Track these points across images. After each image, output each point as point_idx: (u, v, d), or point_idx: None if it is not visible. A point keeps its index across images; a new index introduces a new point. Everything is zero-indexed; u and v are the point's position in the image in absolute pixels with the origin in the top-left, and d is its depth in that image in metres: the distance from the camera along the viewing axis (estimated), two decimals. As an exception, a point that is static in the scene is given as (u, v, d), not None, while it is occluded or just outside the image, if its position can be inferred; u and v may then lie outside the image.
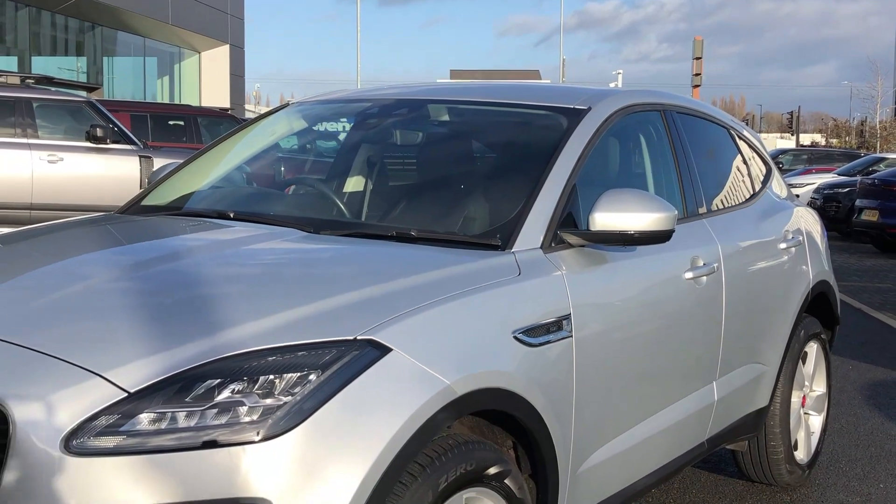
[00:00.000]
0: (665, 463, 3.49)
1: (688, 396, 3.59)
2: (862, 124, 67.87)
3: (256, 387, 2.16)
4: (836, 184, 19.24)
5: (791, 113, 58.93)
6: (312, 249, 3.00)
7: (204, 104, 30.15)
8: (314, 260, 2.95)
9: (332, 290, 2.50)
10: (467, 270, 2.73)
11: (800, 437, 4.59)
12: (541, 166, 3.16)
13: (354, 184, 3.76)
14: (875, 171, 19.47)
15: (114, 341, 2.27)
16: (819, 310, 4.74)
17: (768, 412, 4.27)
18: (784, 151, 30.33)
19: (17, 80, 11.77)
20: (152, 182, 3.89)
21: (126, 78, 32.00)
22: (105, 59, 30.77)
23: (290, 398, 2.15)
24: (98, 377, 2.14)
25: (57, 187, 11.12)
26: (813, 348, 4.66)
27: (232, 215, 3.32)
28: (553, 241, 2.98)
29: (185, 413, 2.12)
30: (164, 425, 2.10)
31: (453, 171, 3.57)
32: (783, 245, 4.37)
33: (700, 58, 31.24)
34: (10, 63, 24.84)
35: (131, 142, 11.67)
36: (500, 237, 2.94)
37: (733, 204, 4.23)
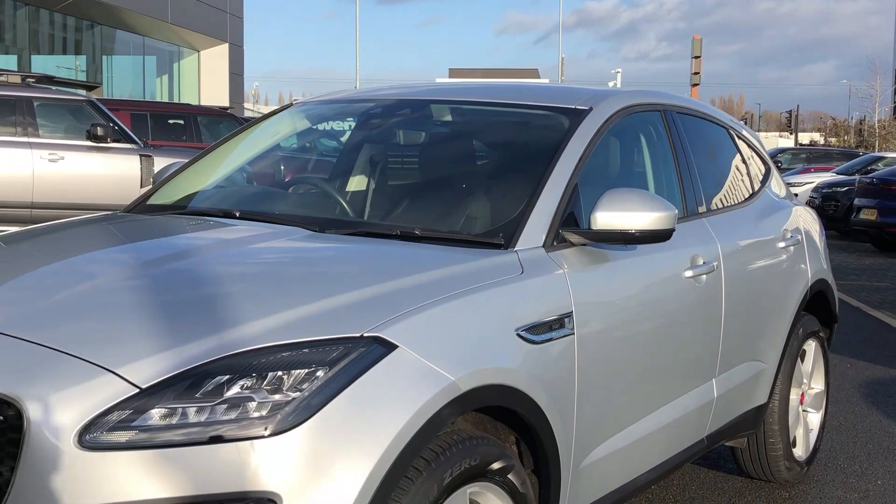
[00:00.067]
0: (665, 459, 3.53)
1: (688, 393, 3.63)
2: (860, 123, 67.93)
3: (265, 383, 2.20)
4: (834, 183, 19.27)
5: (790, 112, 58.98)
6: (318, 248, 3.04)
7: (203, 103, 30.18)
8: (320, 258, 2.99)
9: (338, 288, 2.54)
10: (471, 269, 2.77)
11: (798, 434, 4.63)
12: (543, 166, 3.20)
13: (359, 183, 3.80)
14: (873, 170, 19.51)
15: (125, 338, 2.31)
16: (817, 308, 4.78)
17: (767, 409, 4.31)
18: (783, 150, 30.38)
19: (17, 80, 11.80)
20: (157, 181, 3.93)
21: (125, 77, 32.03)
22: (104, 57, 30.79)
23: (298, 394, 2.19)
24: (110, 373, 2.18)
25: (58, 186, 11.15)
26: (811, 346, 4.70)
27: (238, 214, 3.37)
28: (555, 240, 3.02)
29: (195, 409, 2.16)
30: (174, 421, 2.14)
31: (456, 171, 3.61)
32: (782, 244, 4.41)
33: (699, 56, 31.29)
34: (9, 62, 24.85)
35: (132, 141, 11.69)
36: (502, 236, 2.98)
37: (733, 203, 4.27)
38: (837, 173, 21.46)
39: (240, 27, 35.87)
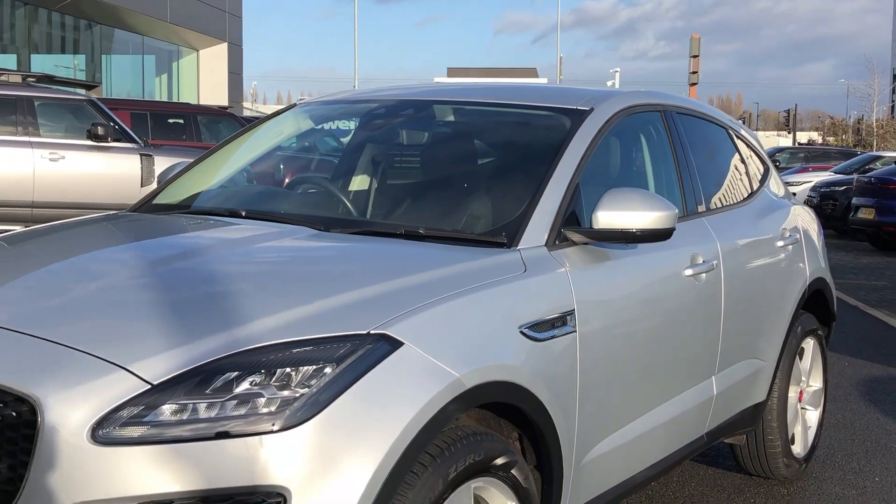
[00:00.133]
0: (665, 455, 3.57)
1: (687, 391, 3.67)
2: (858, 122, 68.04)
3: (274, 379, 2.24)
4: (832, 182, 19.32)
5: (788, 111, 59.01)
6: (324, 247, 3.08)
7: (202, 102, 30.19)
8: (326, 257, 3.02)
9: (344, 286, 2.58)
10: (475, 267, 2.81)
11: (797, 431, 4.67)
12: (545, 166, 3.24)
13: (363, 183, 3.84)
14: (871, 170, 19.56)
15: (136, 335, 2.35)
16: (816, 306, 4.82)
17: (766, 407, 4.35)
18: (781, 150, 30.43)
19: (18, 79, 11.83)
20: (163, 181, 3.97)
21: (124, 76, 32.03)
22: (103, 57, 30.80)
23: (306, 390, 2.23)
24: (122, 370, 2.22)
25: (58, 185, 11.18)
26: (810, 344, 4.74)
27: (243, 214, 3.40)
28: (557, 239, 3.06)
29: (205, 404, 2.19)
30: (185, 416, 2.18)
31: (459, 171, 3.64)
32: (780, 243, 4.45)
33: (697, 56, 31.31)
34: (8, 61, 24.86)
35: (132, 140, 11.72)
36: (505, 235, 3.02)
37: (732, 202, 4.31)
38: (835, 172, 21.51)
39: (239, 26, 35.88)
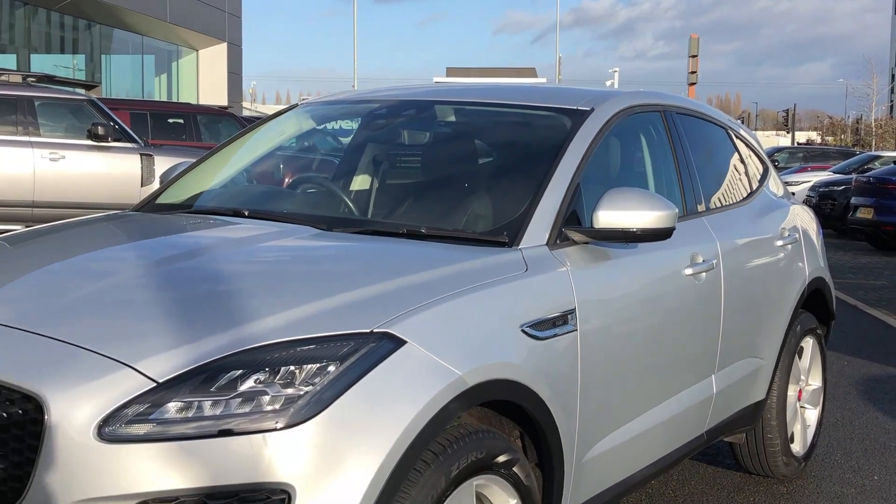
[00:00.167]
0: (665, 454, 3.59)
1: (687, 389, 3.69)
2: (857, 122, 68.08)
3: (278, 377, 2.26)
4: (831, 181, 19.34)
5: (787, 111, 59.06)
6: (327, 246, 3.10)
7: (202, 102, 30.20)
8: (329, 256, 3.04)
9: (347, 285, 2.60)
10: (476, 266, 2.83)
11: (796, 429, 4.69)
12: (546, 166, 3.26)
13: (365, 182, 3.86)
14: (870, 169, 19.59)
15: (142, 334, 2.37)
16: (815, 305, 4.85)
17: (765, 405, 4.38)
18: (780, 149, 30.46)
19: (18, 79, 11.84)
20: (166, 181, 3.99)
21: (124, 76, 32.03)
22: (103, 56, 30.80)
23: (310, 388, 2.25)
24: (128, 368, 2.24)
25: (59, 185, 11.19)
26: (809, 343, 4.76)
27: (247, 213, 3.42)
28: (558, 239, 3.08)
29: (210, 402, 2.21)
30: (190, 414, 2.20)
31: (461, 171, 3.66)
32: (780, 242, 4.47)
33: (696, 55, 31.33)
34: (7, 61, 24.86)
35: (132, 140, 11.74)
36: (507, 234, 3.04)
37: (731, 202, 4.33)
38: (834, 172, 21.54)
39: (238, 26, 35.88)
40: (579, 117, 3.49)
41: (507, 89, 4.10)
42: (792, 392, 4.58)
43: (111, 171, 11.46)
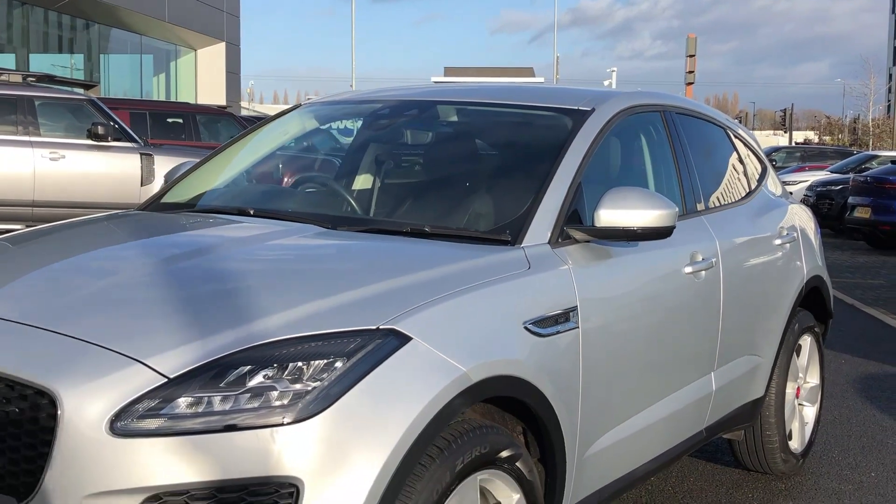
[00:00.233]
0: (666, 450, 3.63)
1: (687, 386, 3.73)
2: (855, 122, 68.14)
3: (286, 373, 2.29)
4: (829, 181, 19.39)
5: (784, 110, 59.11)
6: (332, 245, 3.13)
7: (200, 102, 30.22)
8: (334, 255, 3.07)
9: (353, 282, 2.64)
10: (480, 264, 2.87)
11: (794, 427, 4.73)
12: (548, 165, 3.30)
13: (370, 182, 3.90)
14: (867, 169, 19.62)
15: (151, 331, 2.41)
16: (813, 304, 4.89)
17: (764, 402, 4.41)
18: (777, 149, 30.50)
19: (19, 79, 11.87)
20: (170, 180, 4.02)
21: (122, 75, 32.04)
22: (101, 56, 30.81)
23: (318, 383, 2.28)
24: (140, 364, 2.28)
25: (59, 184, 11.23)
26: (807, 341, 4.80)
27: (252, 212, 3.46)
28: (560, 237, 3.12)
29: (219, 398, 2.25)
30: (200, 409, 2.23)
31: (464, 170, 3.69)
32: (778, 241, 4.51)
33: (693, 55, 31.38)
34: (6, 60, 24.87)
35: (132, 139, 11.77)
36: (509, 233, 3.08)
37: (730, 201, 4.37)
38: (832, 172, 21.58)
39: (236, 26, 35.90)
40: (580, 117, 3.53)
41: (509, 89, 4.14)
42: (790, 389, 4.62)
43: (111, 171, 11.50)
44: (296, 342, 2.36)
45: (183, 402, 2.24)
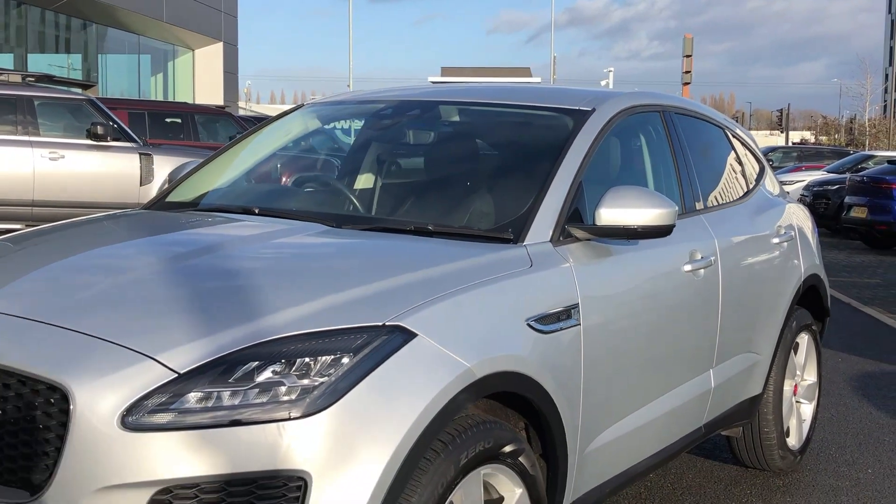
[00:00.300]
0: (665, 446, 3.67)
1: (686, 383, 3.77)
2: (851, 122, 68.22)
3: (294, 369, 2.33)
4: (825, 181, 19.44)
5: (781, 110, 59.17)
6: (337, 243, 3.17)
7: (198, 102, 30.23)
8: (340, 252, 3.11)
9: (359, 280, 2.68)
10: (483, 262, 2.91)
11: (792, 424, 4.76)
12: (549, 165, 3.34)
13: (373, 181, 3.94)
14: (864, 169, 19.67)
15: (161, 327, 2.44)
16: (810, 302, 4.92)
17: (762, 399, 4.46)
18: (774, 149, 30.56)
19: (18, 79, 11.90)
20: (174, 180, 4.06)
21: (120, 75, 32.03)
22: (99, 56, 30.81)
23: (325, 379, 2.32)
24: (150, 359, 2.32)
25: (58, 184, 11.26)
26: (804, 339, 4.84)
27: (257, 211, 3.50)
28: (561, 235, 3.16)
29: (229, 393, 2.29)
30: (210, 404, 2.27)
31: (466, 169, 3.74)
32: (776, 240, 4.56)
33: (690, 55, 31.41)
34: (4, 60, 24.87)
35: (131, 139, 11.80)
36: (512, 231, 3.12)
37: (728, 200, 4.41)
38: (828, 171, 21.63)
39: (234, 26, 35.92)
40: (581, 117, 3.57)
41: (511, 90, 4.18)
42: (788, 387, 4.66)
43: (110, 171, 11.53)
44: (303, 338, 2.40)
45: (193, 398, 2.28)
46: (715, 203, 4.24)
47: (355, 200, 3.72)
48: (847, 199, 16.29)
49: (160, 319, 2.49)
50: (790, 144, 46.16)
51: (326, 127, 4.47)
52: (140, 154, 11.70)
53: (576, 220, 3.24)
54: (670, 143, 4.04)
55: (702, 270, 3.77)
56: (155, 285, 2.72)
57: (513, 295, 2.85)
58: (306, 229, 3.22)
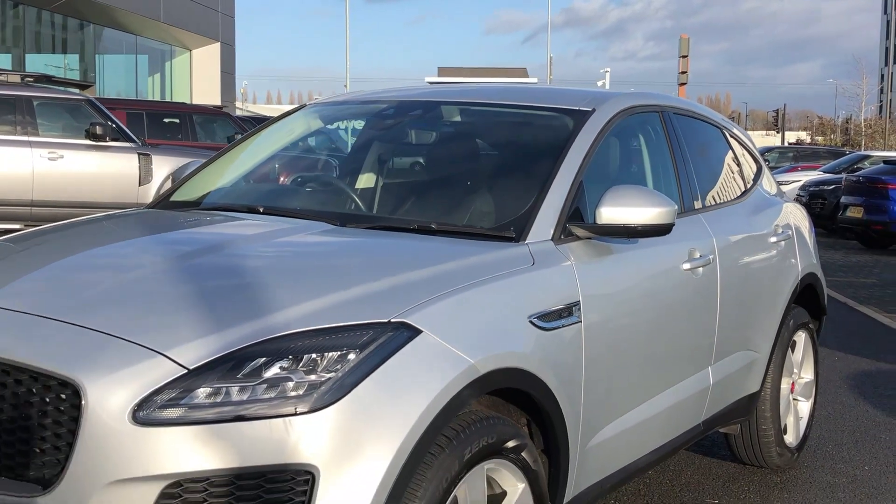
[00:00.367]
0: (665, 442, 3.72)
1: (685, 380, 3.81)
2: (847, 122, 68.35)
3: (301, 364, 2.37)
4: (821, 181, 19.49)
5: (777, 111, 59.29)
6: (342, 241, 3.21)
7: (195, 102, 30.24)
8: (345, 250, 3.14)
9: (364, 277, 2.72)
10: (486, 260, 2.95)
11: (789, 421, 4.81)
12: (550, 164, 3.38)
13: (376, 181, 3.98)
14: (860, 169, 19.74)
15: (170, 324, 2.48)
16: (807, 301, 4.97)
17: (759, 397, 4.50)
18: (770, 149, 30.63)
19: (17, 79, 11.92)
20: (178, 179, 4.09)
21: (117, 75, 32.05)
22: (97, 56, 30.82)
23: (332, 374, 2.36)
24: (161, 355, 2.35)
25: (57, 184, 11.28)
26: (801, 337, 4.88)
27: (261, 210, 3.54)
28: (562, 234, 3.20)
29: (237, 388, 2.33)
30: (219, 399, 2.31)
31: (468, 169, 3.78)
32: (773, 239, 4.60)
33: (686, 56, 31.50)
34: (2, 61, 24.88)
35: (130, 139, 11.83)
36: (514, 230, 3.16)
37: (727, 200, 4.45)
38: (824, 171, 21.69)
39: (231, 26, 35.93)
40: (581, 117, 3.62)
41: (511, 90, 4.21)
42: (785, 384, 4.71)
43: (109, 171, 11.56)
44: (310, 335, 2.43)
45: (202, 393, 2.31)
46: (713, 202, 4.28)
47: (358, 200, 3.76)
48: (843, 199, 16.35)
49: (168, 317, 2.52)
50: (786, 145, 46.25)
51: (329, 127, 4.51)
52: (139, 154, 11.73)
53: (576, 218, 3.28)
54: (669, 143, 4.08)
55: (700, 269, 3.82)
56: (162, 283, 2.75)
57: (515, 292, 2.89)
58: (311, 228, 3.26)
